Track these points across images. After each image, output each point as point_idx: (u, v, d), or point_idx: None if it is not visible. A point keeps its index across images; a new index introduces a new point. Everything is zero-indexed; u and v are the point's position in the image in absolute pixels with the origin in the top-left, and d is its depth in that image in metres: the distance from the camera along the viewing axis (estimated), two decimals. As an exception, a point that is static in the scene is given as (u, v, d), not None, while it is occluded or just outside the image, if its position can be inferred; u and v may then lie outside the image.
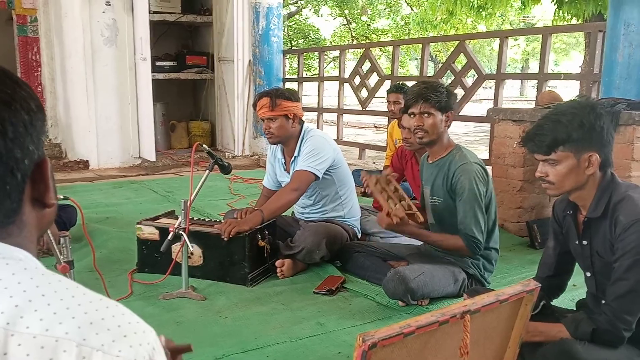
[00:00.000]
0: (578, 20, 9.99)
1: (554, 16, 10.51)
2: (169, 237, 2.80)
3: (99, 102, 7.07)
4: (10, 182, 0.71)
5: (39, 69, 7.41)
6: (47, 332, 0.63)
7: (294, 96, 3.37)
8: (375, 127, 15.64)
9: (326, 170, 3.34)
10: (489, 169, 4.38)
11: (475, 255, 2.85)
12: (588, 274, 1.95)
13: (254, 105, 3.43)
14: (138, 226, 3.22)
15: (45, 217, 0.80)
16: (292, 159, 3.41)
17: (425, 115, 2.79)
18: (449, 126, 2.86)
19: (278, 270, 3.18)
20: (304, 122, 3.47)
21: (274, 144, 3.46)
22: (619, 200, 1.77)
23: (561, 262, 2.07)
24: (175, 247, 2.95)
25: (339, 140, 7.60)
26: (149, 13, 7.12)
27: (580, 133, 1.75)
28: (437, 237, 2.90)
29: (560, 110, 1.81)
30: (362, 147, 7.89)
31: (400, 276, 2.73)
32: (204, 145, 3.02)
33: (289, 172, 3.45)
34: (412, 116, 2.84)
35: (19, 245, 0.72)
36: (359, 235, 3.60)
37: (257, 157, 7.91)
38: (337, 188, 3.46)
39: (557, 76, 6.77)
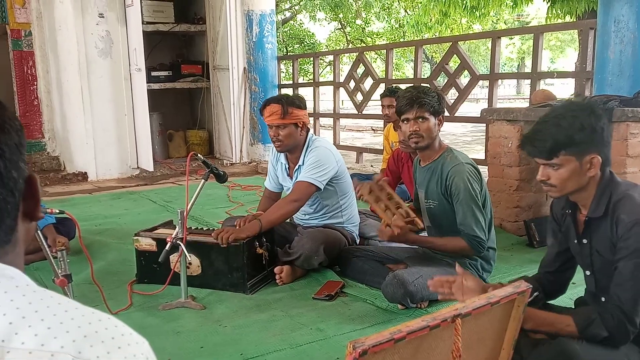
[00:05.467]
0: (571, 18, 10.01)
1: (547, 14, 10.54)
2: (167, 247, 2.81)
3: (95, 113, 7.08)
4: (10, 202, 0.73)
5: (35, 83, 7.43)
6: (43, 347, 0.64)
7: (303, 103, 3.37)
8: (373, 130, 15.65)
9: (329, 182, 3.35)
10: (485, 169, 4.41)
11: (481, 254, 2.85)
12: (587, 273, 1.94)
13: (262, 111, 3.40)
14: (135, 237, 3.23)
15: (31, 231, 0.82)
16: (296, 167, 3.42)
17: (420, 120, 2.79)
18: (439, 130, 2.88)
19: (277, 276, 3.18)
20: (309, 129, 3.47)
21: (282, 151, 3.45)
22: (619, 199, 1.76)
23: (561, 260, 2.05)
24: (173, 258, 2.95)
25: (336, 145, 7.61)
26: (143, 24, 7.12)
27: (582, 136, 1.73)
28: (440, 241, 2.89)
29: (560, 113, 1.78)
30: (360, 150, 7.89)
31: (398, 279, 2.73)
32: (199, 155, 3.02)
33: (291, 178, 3.46)
34: (405, 122, 2.84)
35: (11, 263, 0.74)
36: (357, 241, 3.60)
37: (255, 163, 7.91)
38: (338, 198, 3.48)
39: (550, 74, 6.78)
